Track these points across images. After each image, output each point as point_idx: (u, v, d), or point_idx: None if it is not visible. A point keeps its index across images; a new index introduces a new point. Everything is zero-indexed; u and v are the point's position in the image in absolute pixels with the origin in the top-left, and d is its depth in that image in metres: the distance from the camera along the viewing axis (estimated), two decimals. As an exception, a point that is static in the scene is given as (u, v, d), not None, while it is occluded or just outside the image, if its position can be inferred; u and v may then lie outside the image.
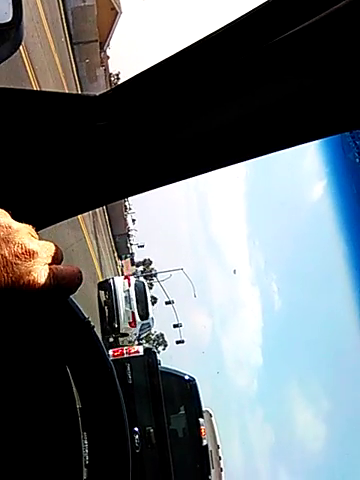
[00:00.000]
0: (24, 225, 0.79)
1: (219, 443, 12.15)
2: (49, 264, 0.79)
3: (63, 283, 0.80)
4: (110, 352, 10.31)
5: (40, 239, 0.81)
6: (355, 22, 0.80)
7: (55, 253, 0.81)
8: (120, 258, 42.33)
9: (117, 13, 22.07)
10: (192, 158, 0.99)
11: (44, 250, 0.79)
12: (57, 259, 0.81)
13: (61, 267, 0.80)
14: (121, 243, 40.20)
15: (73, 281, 0.82)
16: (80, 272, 0.83)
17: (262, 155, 0.99)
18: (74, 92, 16.14)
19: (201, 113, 0.95)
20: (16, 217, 0.78)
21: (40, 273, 0.76)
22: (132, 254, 50.53)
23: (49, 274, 0.77)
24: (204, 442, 10.74)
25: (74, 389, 0.92)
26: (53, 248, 0.81)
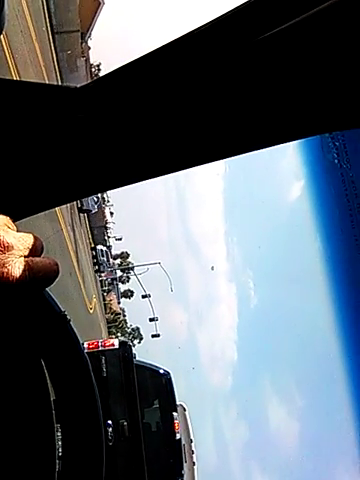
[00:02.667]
0: (1, 217, 0.79)
1: (192, 437, 12.19)
2: (26, 256, 0.79)
3: (39, 276, 0.80)
4: (85, 345, 10.24)
5: (18, 231, 0.81)
6: (350, 18, 0.80)
7: (33, 245, 0.81)
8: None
9: (100, 4, 21.93)
10: (173, 153, 0.99)
11: (20, 242, 0.79)
12: (35, 251, 0.81)
13: (37, 259, 0.80)
14: (99, 235, 40.08)
15: (49, 274, 0.82)
16: (56, 265, 0.83)
17: (246, 152, 0.99)
18: (54, 83, 16.01)
19: (183, 108, 0.94)
20: None
21: (15, 265, 0.76)
22: (109, 247, 50.41)
23: (24, 267, 0.77)
24: (177, 436, 10.75)
25: (49, 382, 0.91)
26: (31, 240, 0.81)
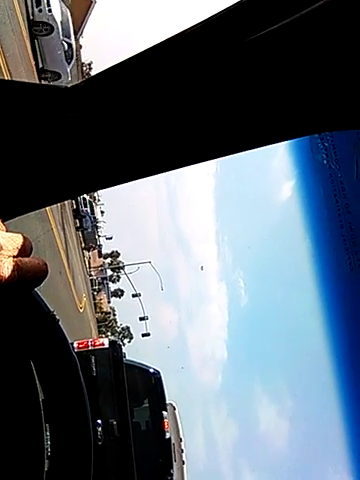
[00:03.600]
0: None
1: (182, 436, 12.19)
2: (15, 256, 0.78)
3: (28, 276, 0.79)
4: (75, 344, 10.21)
5: (8, 230, 0.81)
6: (343, 18, 0.80)
7: (22, 245, 0.80)
8: (87, 250, 42.09)
9: (91, 3, 21.91)
10: (164, 153, 0.99)
11: (9, 242, 0.79)
12: (24, 251, 0.81)
13: (26, 259, 0.80)
14: (89, 234, 39.98)
15: (38, 274, 0.82)
16: (45, 265, 0.83)
17: (237, 152, 0.99)
18: (45, 83, 15.96)
19: (174, 107, 0.94)
20: None
21: (3, 265, 0.76)
22: (100, 246, 50.33)
23: (13, 267, 0.77)
24: (167, 435, 10.75)
25: (38, 382, 0.91)
26: (20, 240, 0.81)
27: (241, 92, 0.91)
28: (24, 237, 0.82)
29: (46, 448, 0.92)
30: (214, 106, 0.93)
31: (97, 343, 10.66)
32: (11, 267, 0.76)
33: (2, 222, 0.82)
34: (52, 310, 0.90)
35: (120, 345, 11.08)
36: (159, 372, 11.12)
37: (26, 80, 11.08)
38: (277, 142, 0.98)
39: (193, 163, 1.01)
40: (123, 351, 10.85)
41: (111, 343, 10.79)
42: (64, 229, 20.18)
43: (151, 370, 11.09)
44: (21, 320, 0.87)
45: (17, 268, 0.77)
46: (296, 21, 0.82)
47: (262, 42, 0.85)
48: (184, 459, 12.08)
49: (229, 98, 0.92)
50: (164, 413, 10.82)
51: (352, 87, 0.86)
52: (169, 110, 0.94)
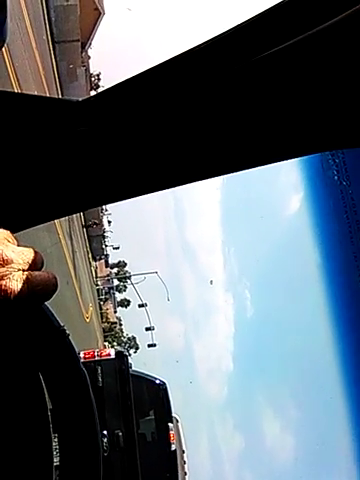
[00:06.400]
0: (1, 231, 0.79)
1: (184, 448, 12.19)
2: (25, 270, 0.79)
3: (37, 289, 0.79)
4: (81, 354, 10.21)
5: (19, 245, 0.81)
6: (347, 39, 0.80)
7: (33, 259, 0.81)
8: (94, 259, 42.16)
9: (100, 14, 22.06)
10: (173, 168, 0.99)
11: (20, 256, 0.79)
12: (35, 265, 0.81)
13: (36, 273, 0.80)
14: (96, 244, 40.07)
15: (48, 288, 0.81)
16: (55, 279, 0.83)
17: (245, 169, 0.99)
18: (54, 91, 16.06)
19: (184, 123, 0.95)
20: None
21: (13, 279, 0.76)
22: (107, 256, 50.42)
23: (23, 280, 0.77)
24: (173, 447, 10.72)
25: (47, 395, 0.91)
26: (31, 254, 0.81)
27: (250, 110, 0.92)
28: (35, 251, 0.82)
29: (54, 458, 0.91)
30: (223, 123, 0.94)
31: (103, 353, 10.66)
32: (21, 281, 0.77)
33: (13, 235, 0.82)
34: (62, 325, 0.90)
35: (126, 356, 11.07)
36: (165, 383, 11.12)
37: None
38: (286, 159, 0.99)
39: (201, 179, 1.01)
40: (129, 361, 10.84)
41: (117, 354, 10.80)
42: (72, 239, 20.22)
43: (157, 381, 11.09)
44: (31, 334, 0.87)
45: (27, 282, 0.77)
46: (303, 41, 0.83)
47: (270, 61, 0.86)
48: (186, 470, 12.08)
49: (238, 115, 0.93)
50: (170, 425, 10.79)
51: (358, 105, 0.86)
52: (178, 126, 0.95)
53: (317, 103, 0.88)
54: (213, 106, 0.92)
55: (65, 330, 0.90)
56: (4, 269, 0.76)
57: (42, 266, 0.83)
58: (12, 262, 0.77)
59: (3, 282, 0.75)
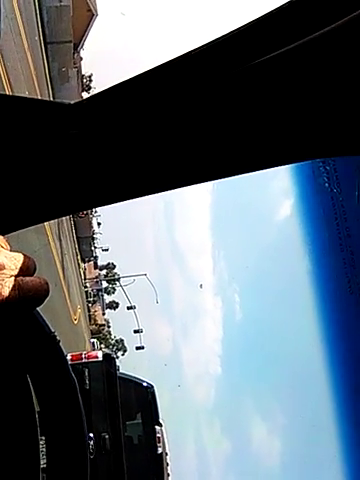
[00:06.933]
0: None
1: (167, 450, 12.20)
2: (16, 276, 0.79)
3: (29, 295, 0.80)
4: (68, 356, 10.16)
5: (11, 249, 0.82)
6: (350, 43, 0.80)
7: (25, 265, 0.81)
8: (83, 261, 42.04)
9: (93, 15, 22.05)
10: (166, 172, 0.99)
11: (12, 262, 0.79)
12: (27, 270, 0.82)
13: (27, 279, 0.80)
14: (85, 246, 39.96)
15: (40, 293, 0.82)
16: (47, 284, 0.84)
17: (239, 174, 0.99)
18: (45, 92, 16.02)
19: (177, 127, 0.95)
20: None
21: (4, 285, 0.77)
22: (96, 257, 50.28)
23: (14, 286, 0.78)
24: (159, 450, 10.71)
25: (35, 400, 0.91)
26: (23, 259, 0.82)
27: (245, 115, 0.91)
28: (27, 257, 0.83)
29: (41, 460, 0.91)
30: (217, 128, 0.93)
31: (91, 356, 10.62)
32: (12, 286, 0.77)
33: (6, 240, 0.83)
34: (53, 331, 0.90)
35: (114, 358, 11.08)
36: (153, 386, 11.11)
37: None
38: (281, 165, 0.99)
39: (193, 183, 1.01)
40: (117, 364, 10.81)
41: (105, 356, 10.80)
42: (60, 240, 20.15)
43: (145, 384, 11.09)
44: (21, 339, 0.87)
45: (19, 287, 0.78)
46: (301, 46, 0.83)
47: (267, 66, 0.86)
48: (169, 472, 12.09)
49: (232, 120, 0.92)
50: (157, 428, 10.77)
51: (353, 113, 0.86)
52: (171, 130, 0.95)
53: (314, 109, 0.88)
54: (208, 111, 0.92)
55: (56, 336, 0.91)
56: None
57: (34, 271, 0.84)
58: (4, 268, 0.77)
59: None
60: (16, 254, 0.81)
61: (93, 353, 10.91)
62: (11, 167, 0.97)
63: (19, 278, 0.79)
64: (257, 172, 0.99)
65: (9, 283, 0.77)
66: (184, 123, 0.94)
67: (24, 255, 0.82)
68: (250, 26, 0.86)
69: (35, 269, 0.84)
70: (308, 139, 0.92)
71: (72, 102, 0.98)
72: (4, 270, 0.77)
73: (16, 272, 0.79)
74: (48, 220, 1.11)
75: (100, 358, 10.61)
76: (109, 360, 10.70)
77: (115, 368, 10.66)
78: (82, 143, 0.97)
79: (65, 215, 1.13)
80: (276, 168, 1.00)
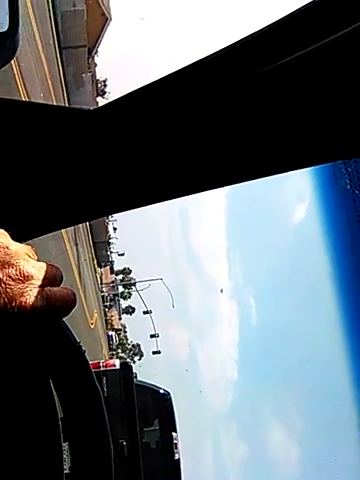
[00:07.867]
0: (22, 246, 0.81)
1: (180, 456, 12.26)
2: (44, 286, 0.79)
3: (56, 305, 0.80)
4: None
5: (38, 259, 0.83)
6: (353, 52, 0.82)
7: (51, 275, 0.82)
8: (100, 266, 42.24)
9: (107, 19, 22.11)
10: (182, 178, 1.02)
11: (40, 272, 0.80)
12: (54, 281, 0.82)
13: (54, 289, 0.81)
14: (101, 251, 40.13)
15: (66, 304, 0.82)
16: (74, 295, 0.84)
17: (253, 179, 1.01)
18: (60, 97, 16.08)
19: (194, 134, 0.97)
20: (4, 227, 0.79)
21: (32, 295, 0.77)
22: (112, 262, 50.59)
23: (42, 296, 0.78)
24: (176, 456, 10.70)
25: (60, 411, 0.92)
26: (50, 270, 0.82)
27: (257, 121, 0.94)
28: (54, 267, 0.84)
29: (65, 466, 0.92)
30: (230, 134, 0.96)
31: (108, 364, 10.73)
32: (40, 297, 0.78)
33: (33, 250, 0.83)
34: (79, 341, 0.91)
35: (131, 366, 11.31)
36: (169, 393, 11.28)
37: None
38: (290, 171, 1.01)
39: (211, 188, 1.03)
40: (134, 371, 10.90)
41: (122, 364, 11.00)
42: (77, 245, 20.22)
43: (161, 391, 11.23)
44: (47, 349, 0.88)
45: (46, 297, 0.78)
46: (307, 55, 0.84)
47: (275, 74, 0.88)
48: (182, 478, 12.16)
49: (244, 127, 0.95)
50: (174, 434, 10.83)
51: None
52: (188, 136, 0.97)
53: (321, 115, 0.91)
54: (220, 117, 0.94)
55: (81, 346, 0.91)
56: (24, 285, 0.77)
57: (61, 281, 0.85)
58: (32, 278, 0.78)
59: (23, 299, 0.76)
60: (43, 264, 0.82)
61: (111, 361, 11.15)
62: (31, 173, 0.99)
63: (46, 288, 0.80)
64: (273, 176, 1.02)
65: (37, 293, 0.78)
66: (200, 129, 0.96)
67: (51, 265, 0.83)
68: (258, 35, 0.88)
69: (62, 279, 0.85)
70: (319, 143, 0.95)
71: (91, 108, 1.00)
72: (32, 280, 0.78)
73: (44, 282, 0.80)
74: (68, 226, 1.15)
75: (117, 366, 10.82)
76: (126, 368, 10.86)
77: (132, 376, 10.82)
78: (101, 149, 0.99)
79: (85, 221, 1.17)
80: (292, 172, 1.02)
